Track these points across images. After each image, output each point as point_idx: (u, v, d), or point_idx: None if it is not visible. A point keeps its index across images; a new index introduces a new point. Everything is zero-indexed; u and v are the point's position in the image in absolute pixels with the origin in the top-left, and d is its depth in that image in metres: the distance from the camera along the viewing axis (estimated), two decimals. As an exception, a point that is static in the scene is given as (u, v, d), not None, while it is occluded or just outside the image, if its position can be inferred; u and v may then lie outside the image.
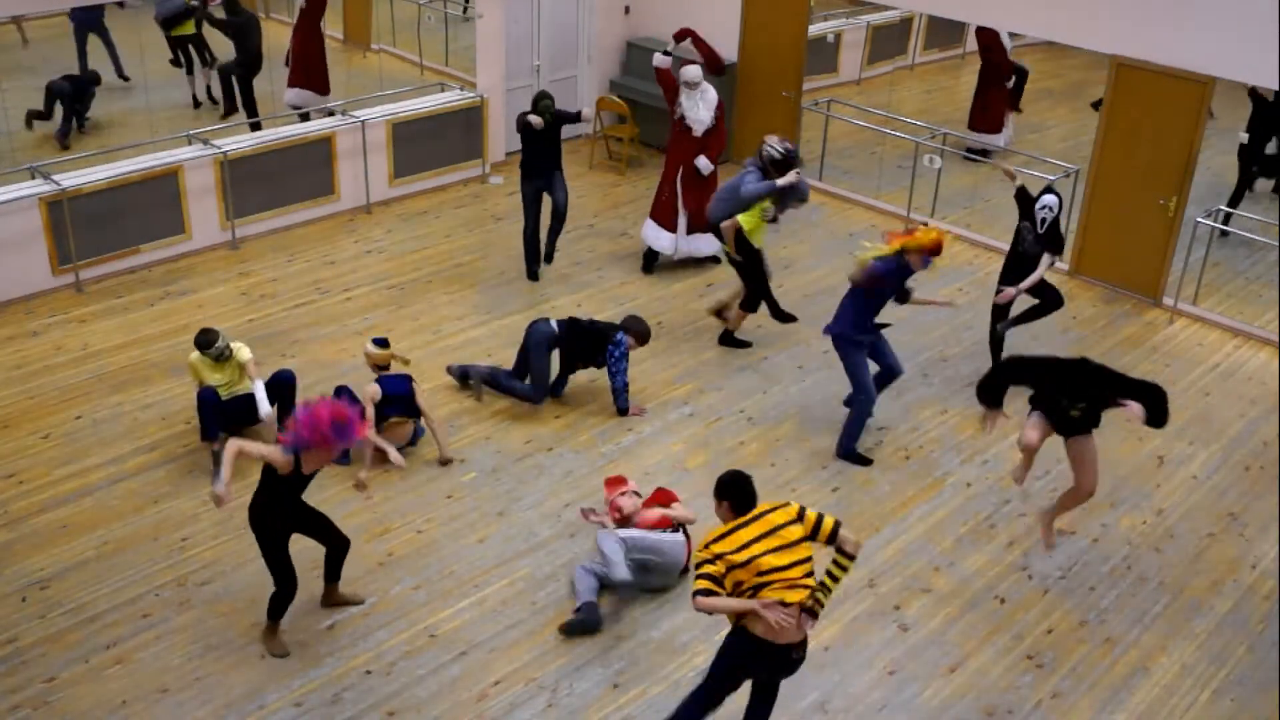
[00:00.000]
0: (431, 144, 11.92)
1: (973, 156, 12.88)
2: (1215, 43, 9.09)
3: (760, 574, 4.99)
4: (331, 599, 6.70)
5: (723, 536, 5.08)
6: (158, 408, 8.37)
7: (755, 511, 5.13)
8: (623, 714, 6.11)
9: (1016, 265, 8.74)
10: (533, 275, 10.33)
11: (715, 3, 12.66)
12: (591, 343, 8.33)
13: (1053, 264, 8.64)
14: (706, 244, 10.50)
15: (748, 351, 9.41)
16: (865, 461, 8.06)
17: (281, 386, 7.86)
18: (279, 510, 6.09)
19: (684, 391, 8.85)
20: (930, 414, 8.70)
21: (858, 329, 7.86)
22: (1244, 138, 11.43)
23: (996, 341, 9.06)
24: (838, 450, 8.11)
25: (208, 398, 7.63)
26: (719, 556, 5.00)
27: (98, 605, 6.64)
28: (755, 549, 5.00)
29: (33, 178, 9.81)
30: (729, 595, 4.99)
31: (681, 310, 10.03)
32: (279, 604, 6.30)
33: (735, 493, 5.17)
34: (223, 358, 7.67)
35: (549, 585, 6.94)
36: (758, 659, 5.16)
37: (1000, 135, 13.14)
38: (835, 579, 5.11)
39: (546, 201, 10.26)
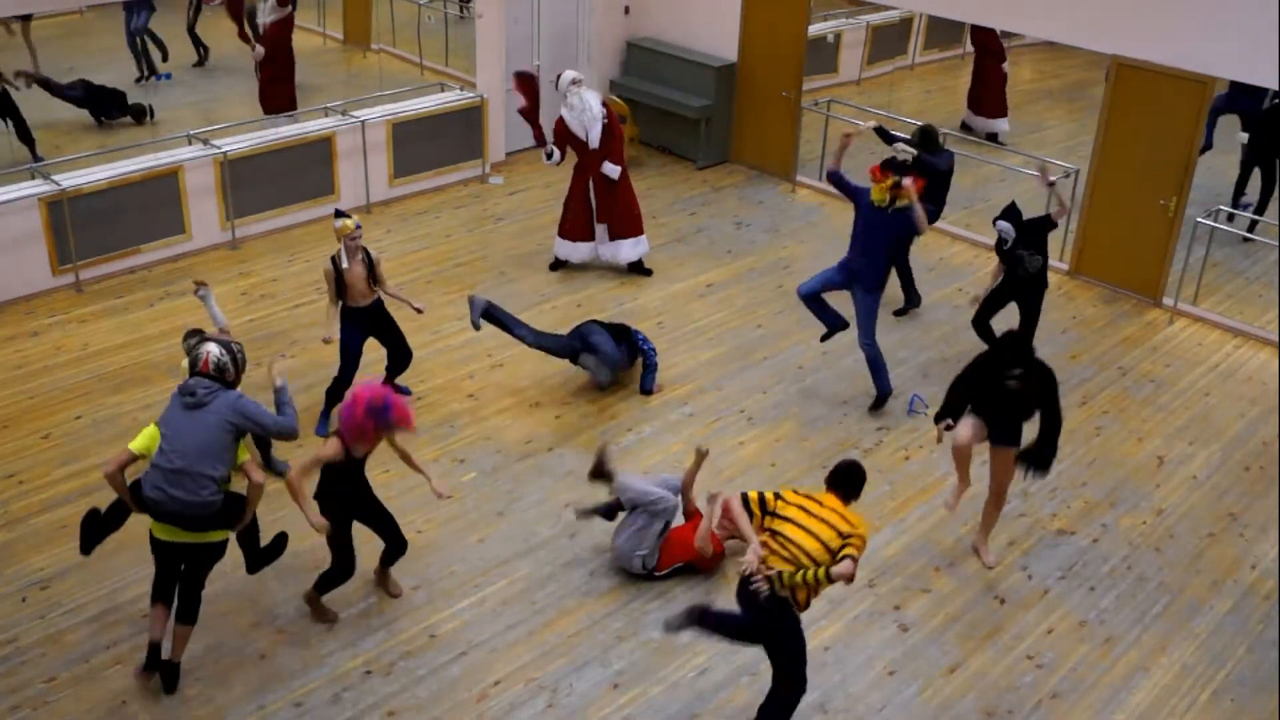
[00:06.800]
0: (431, 144, 11.91)
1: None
2: (1215, 43, 9.08)
3: (774, 533, 5.54)
4: (379, 579, 6.85)
5: (800, 495, 5.65)
6: (158, 408, 8.31)
7: (833, 504, 5.60)
8: (623, 714, 6.11)
9: (1013, 288, 8.81)
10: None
11: (715, 3, 12.67)
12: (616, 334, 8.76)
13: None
14: (628, 250, 10.46)
15: (748, 351, 9.41)
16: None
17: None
18: (342, 496, 6.25)
19: (684, 391, 8.85)
20: (930, 414, 8.69)
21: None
22: (1243, 138, 11.44)
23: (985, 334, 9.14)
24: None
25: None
26: (780, 498, 5.61)
27: (98, 605, 6.64)
28: (799, 517, 5.52)
29: (33, 178, 9.82)
30: (754, 521, 5.57)
31: (681, 310, 10.03)
32: (328, 582, 6.46)
33: (838, 477, 5.69)
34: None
35: (549, 585, 6.94)
36: (740, 586, 5.68)
37: (1004, 121, 13.57)
38: (805, 579, 5.42)
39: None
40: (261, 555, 6.46)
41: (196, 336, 7.22)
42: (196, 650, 6.34)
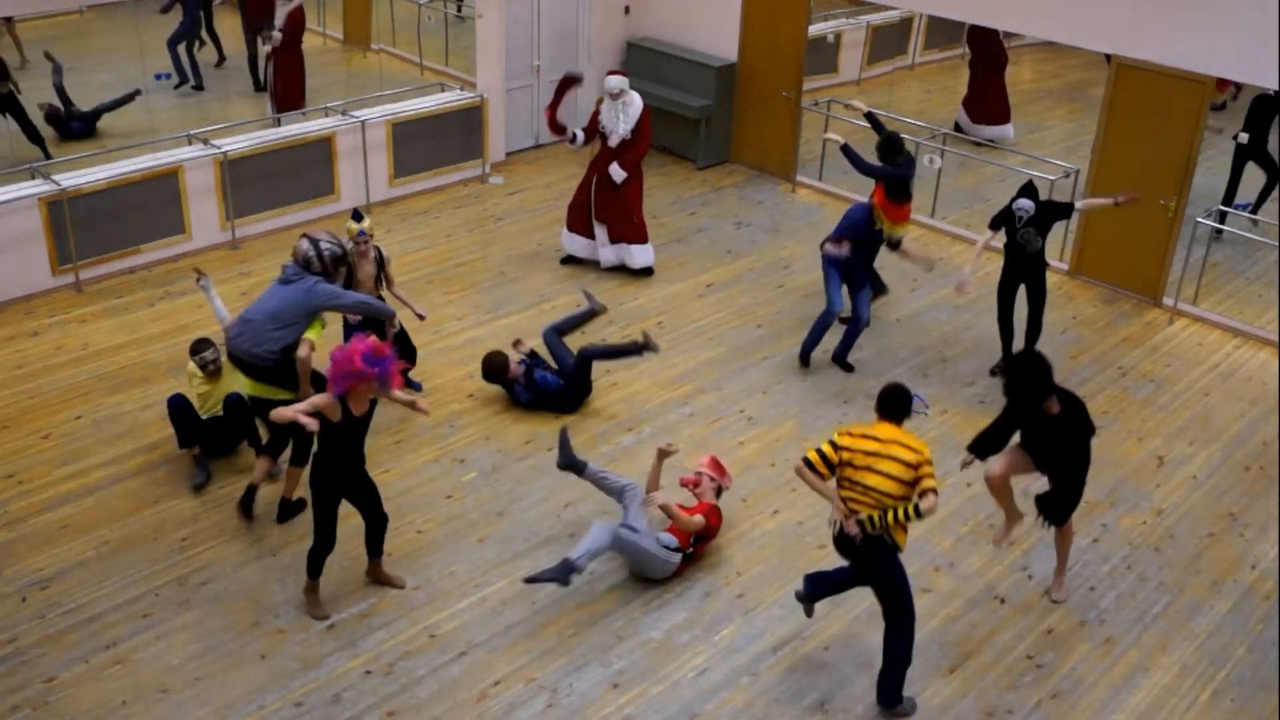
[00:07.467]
0: (431, 144, 11.92)
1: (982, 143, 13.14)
2: (1215, 43, 9.09)
3: (852, 481, 5.82)
4: (374, 576, 6.85)
5: (857, 436, 5.83)
6: (158, 408, 8.35)
7: (891, 435, 5.78)
8: (623, 714, 6.11)
9: (1019, 267, 8.74)
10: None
11: (715, 3, 12.67)
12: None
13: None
14: (639, 256, 10.48)
15: (748, 351, 9.41)
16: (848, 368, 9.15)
17: (233, 410, 7.67)
18: (339, 469, 6.28)
19: (684, 391, 8.85)
20: (930, 414, 8.70)
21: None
22: (1243, 138, 11.44)
23: (1008, 334, 9.05)
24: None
25: (176, 404, 7.60)
26: (841, 448, 5.82)
27: (98, 605, 6.64)
28: (867, 461, 5.76)
29: (33, 178, 9.81)
30: (830, 479, 5.88)
31: (681, 310, 10.03)
32: (315, 559, 6.50)
33: (886, 404, 5.88)
34: (208, 369, 7.66)
35: (549, 585, 6.93)
36: (837, 538, 6.04)
37: (1009, 126, 13.48)
38: (896, 518, 5.73)
39: None
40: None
41: (210, 349, 7.65)
42: (196, 650, 6.36)
